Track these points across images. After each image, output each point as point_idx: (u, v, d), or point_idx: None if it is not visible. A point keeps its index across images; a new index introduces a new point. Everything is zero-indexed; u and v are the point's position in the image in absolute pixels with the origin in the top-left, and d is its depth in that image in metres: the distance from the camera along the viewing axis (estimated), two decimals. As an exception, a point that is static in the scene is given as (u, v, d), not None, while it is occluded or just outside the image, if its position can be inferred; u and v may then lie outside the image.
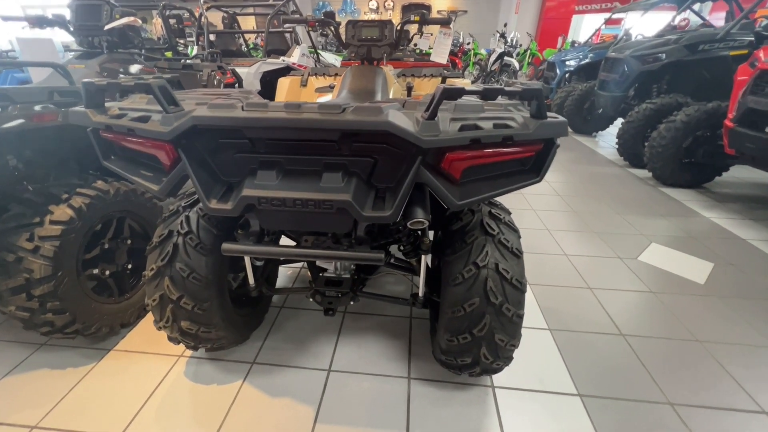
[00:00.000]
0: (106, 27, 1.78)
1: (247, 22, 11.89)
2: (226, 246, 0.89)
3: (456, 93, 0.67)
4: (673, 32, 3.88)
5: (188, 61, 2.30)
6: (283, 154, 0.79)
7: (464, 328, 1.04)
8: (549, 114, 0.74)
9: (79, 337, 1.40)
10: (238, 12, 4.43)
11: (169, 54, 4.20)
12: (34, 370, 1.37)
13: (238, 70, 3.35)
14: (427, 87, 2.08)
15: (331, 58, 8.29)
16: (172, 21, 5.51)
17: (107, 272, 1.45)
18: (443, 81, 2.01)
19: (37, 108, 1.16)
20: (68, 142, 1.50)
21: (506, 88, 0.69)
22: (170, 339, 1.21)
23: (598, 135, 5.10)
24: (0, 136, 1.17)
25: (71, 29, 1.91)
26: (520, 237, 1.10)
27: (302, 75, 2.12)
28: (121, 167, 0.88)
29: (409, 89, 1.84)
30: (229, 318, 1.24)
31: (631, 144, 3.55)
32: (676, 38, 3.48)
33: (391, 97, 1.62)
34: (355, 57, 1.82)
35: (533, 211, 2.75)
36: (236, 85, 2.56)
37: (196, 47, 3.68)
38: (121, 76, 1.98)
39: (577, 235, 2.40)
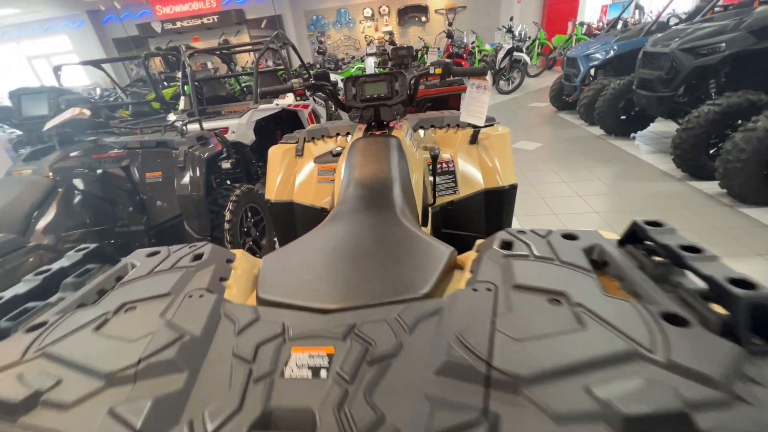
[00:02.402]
0: (46, 127, 1.43)
1: (242, 56, 11.69)
2: None
3: None
4: (725, 13, 3.29)
5: (165, 135, 1.96)
6: None
7: None
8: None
9: None
10: (227, 51, 4.11)
11: (156, 105, 3.92)
12: None
13: (229, 122, 3.00)
14: (453, 141, 1.64)
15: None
16: (170, 57, 5.27)
17: None
18: (475, 135, 1.57)
19: None
20: None
21: None
22: None
23: (638, 136, 4.51)
24: None
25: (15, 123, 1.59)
26: None
27: (296, 141, 1.73)
28: None
29: (435, 158, 1.41)
30: None
31: (693, 155, 2.99)
32: (735, 22, 2.91)
33: (412, 177, 1.19)
34: (360, 120, 1.40)
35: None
36: (224, 152, 2.19)
37: (183, 98, 3.36)
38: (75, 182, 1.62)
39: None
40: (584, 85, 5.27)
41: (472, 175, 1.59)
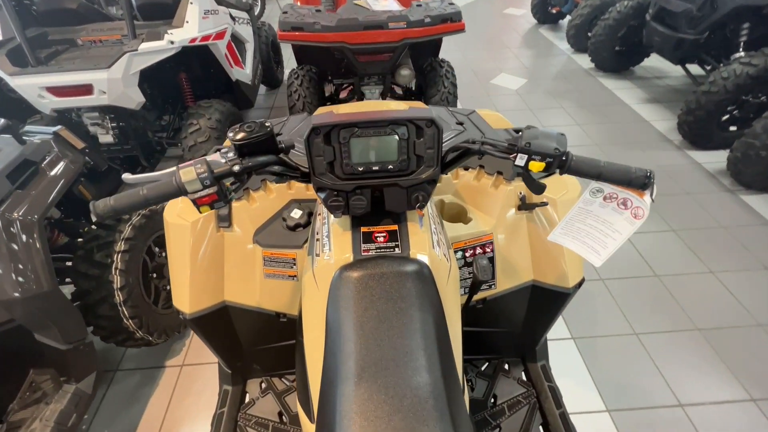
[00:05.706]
0: None
1: None
2: None
3: None
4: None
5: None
6: None
7: None
8: None
9: None
10: None
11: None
12: None
13: (92, 75, 1.89)
14: (490, 201, 0.99)
15: None
16: None
17: None
18: (533, 205, 0.93)
19: None
20: None
21: None
22: None
23: (626, 74, 3.96)
24: None
25: None
26: None
27: (218, 205, 0.93)
28: None
29: (476, 286, 0.79)
30: None
31: (705, 123, 2.59)
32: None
33: (453, 340, 0.64)
34: (346, 211, 0.69)
35: (601, 281, 1.95)
36: (82, 164, 1.24)
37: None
38: None
39: (673, 337, 1.68)
40: (578, -2, 4.34)
41: (518, 261, 1.01)
